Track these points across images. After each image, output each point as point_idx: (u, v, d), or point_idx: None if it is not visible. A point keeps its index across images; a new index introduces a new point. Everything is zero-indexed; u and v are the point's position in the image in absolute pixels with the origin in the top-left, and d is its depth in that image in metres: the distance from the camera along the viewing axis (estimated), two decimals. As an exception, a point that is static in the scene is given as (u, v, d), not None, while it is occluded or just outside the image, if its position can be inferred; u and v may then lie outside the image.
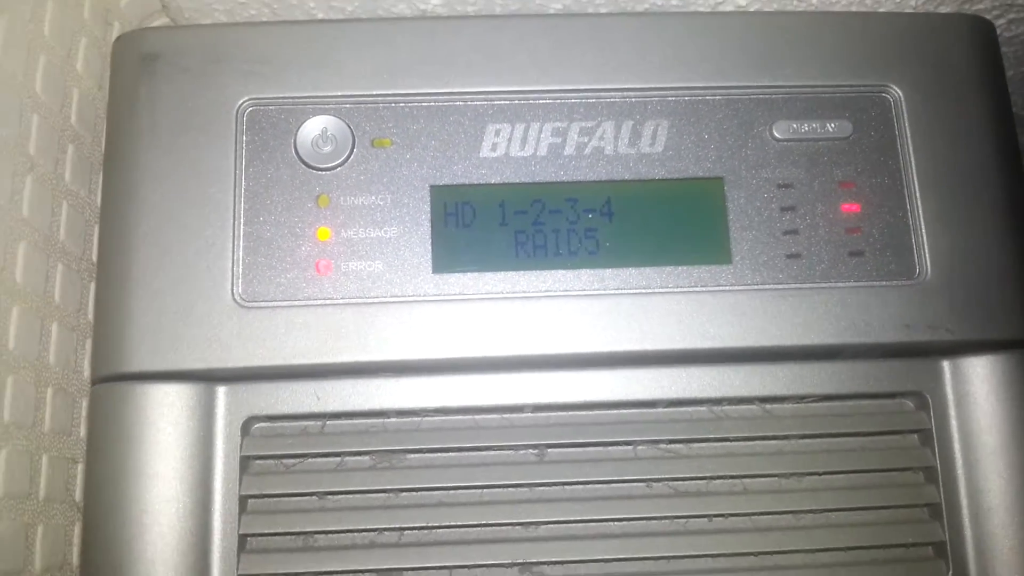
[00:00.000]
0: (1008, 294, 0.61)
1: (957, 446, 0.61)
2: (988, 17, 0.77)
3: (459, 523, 0.58)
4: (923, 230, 0.62)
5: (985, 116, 0.65)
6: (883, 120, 0.64)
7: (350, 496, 0.59)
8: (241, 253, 0.59)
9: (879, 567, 0.60)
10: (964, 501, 0.61)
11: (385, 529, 0.58)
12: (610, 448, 0.60)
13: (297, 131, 0.61)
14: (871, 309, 0.60)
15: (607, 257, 0.61)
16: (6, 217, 0.57)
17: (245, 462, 0.58)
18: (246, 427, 0.59)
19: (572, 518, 0.59)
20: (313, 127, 0.61)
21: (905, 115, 0.64)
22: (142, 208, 0.59)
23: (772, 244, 0.61)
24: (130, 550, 0.56)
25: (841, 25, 0.66)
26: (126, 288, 0.58)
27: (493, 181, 0.61)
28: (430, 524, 0.58)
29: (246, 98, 0.61)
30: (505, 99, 0.63)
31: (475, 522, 0.58)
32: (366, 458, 0.59)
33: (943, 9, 0.79)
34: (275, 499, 0.58)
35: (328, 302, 0.59)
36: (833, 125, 0.63)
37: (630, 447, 0.60)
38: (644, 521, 0.59)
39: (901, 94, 0.64)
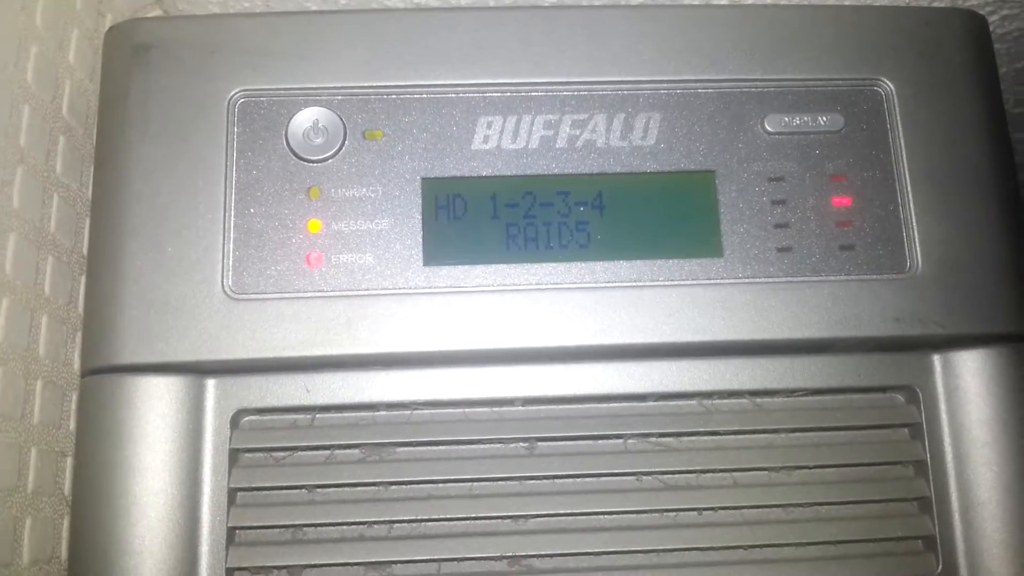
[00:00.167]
0: (999, 288, 0.61)
1: (947, 440, 0.61)
2: (981, 13, 0.77)
3: (449, 516, 0.58)
4: (914, 224, 0.62)
5: (977, 110, 0.64)
6: (875, 114, 0.64)
7: (340, 489, 0.59)
8: (231, 245, 0.59)
9: (869, 560, 0.60)
10: (954, 495, 0.61)
11: (375, 522, 0.58)
12: (600, 441, 0.60)
13: (288, 123, 0.61)
14: (862, 303, 0.60)
15: (598, 250, 0.61)
16: (-4, 208, 0.57)
17: (234, 455, 0.58)
18: (235, 420, 0.59)
19: (562, 511, 0.59)
20: (304, 119, 0.61)
21: (897, 109, 0.64)
22: (133, 200, 0.59)
23: (763, 237, 0.61)
24: (119, 543, 0.56)
25: (833, 18, 0.66)
26: (116, 280, 0.58)
27: (484, 174, 0.61)
28: (420, 517, 0.58)
29: (238, 89, 0.61)
30: (497, 91, 0.63)
31: (465, 515, 0.58)
32: (356, 451, 0.59)
33: (936, 4, 0.79)
34: (264, 492, 0.58)
35: (319, 294, 0.59)
36: (825, 118, 0.63)
37: (620, 440, 0.60)
38: (634, 514, 0.60)
39: (893, 88, 0.64)
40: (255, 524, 0.58)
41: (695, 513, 0.60)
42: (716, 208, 0.62)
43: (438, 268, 0.60)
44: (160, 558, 0.56)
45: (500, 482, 0.59)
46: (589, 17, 0.65)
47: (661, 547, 0.59)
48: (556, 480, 0.60)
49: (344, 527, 0.58)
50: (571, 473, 0.59)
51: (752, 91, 0.64)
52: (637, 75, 0.63)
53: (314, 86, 0.62)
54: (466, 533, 0.58)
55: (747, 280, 0.60)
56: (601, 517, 0.59)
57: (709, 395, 0.61)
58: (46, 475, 0.61)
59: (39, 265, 0.61)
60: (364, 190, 0.61)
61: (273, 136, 0.61)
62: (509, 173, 0.62)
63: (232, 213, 0.59)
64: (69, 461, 0.64)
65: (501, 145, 0.62)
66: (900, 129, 0.63)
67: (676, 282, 0.60)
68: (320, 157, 0.61)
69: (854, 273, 0.61)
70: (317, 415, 0.59)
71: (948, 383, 0.62)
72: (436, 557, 0.58)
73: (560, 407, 0.61)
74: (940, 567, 0.60)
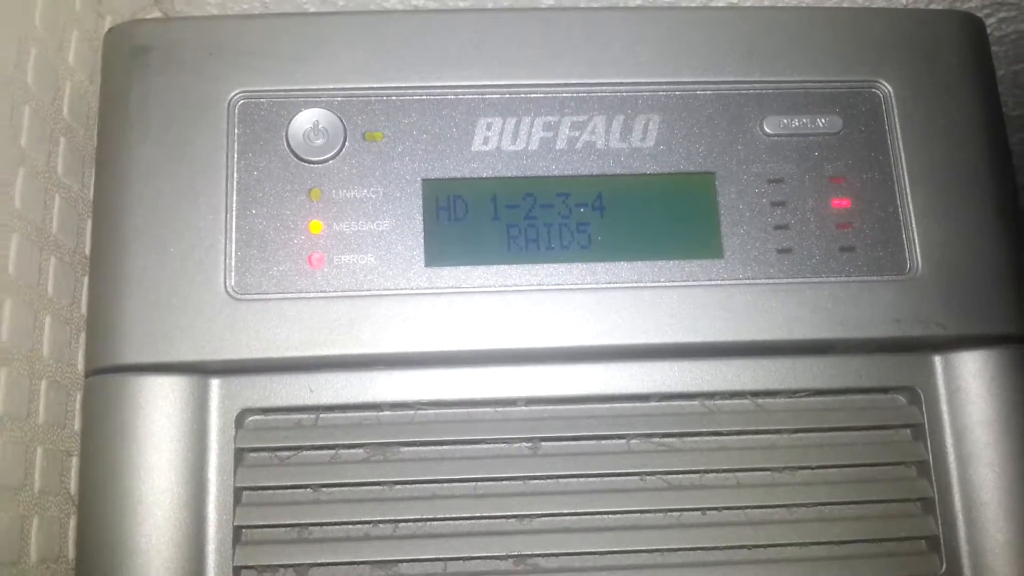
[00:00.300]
0: (998, 289, 0.62)
1: (949, 440, 0.61)
2: (978, 15, 0.77)
3: (453, 515, 0.58)
4: (914, 225, 0.62)
5: (975, 112, 0.65)
6: (873, 115, 0.64)
7: (344, 488, 0.59)
8: (233, 246, 0.59)
9: (872, 561, 0.60)
10: (957, 495, 0.61)
11: (380, 521, 0.58)
12: (603, 441, 0.60)
13: (289, 124, 0.61)
14: (862, 304, 0.60)
15: (599, 251, 0.61)
16: (-1, 209, 0.57)
17: (239, 454, 0.58)
18: (240, 419, 0.59)
19: (566, 511, 0.59)
20: (305, 120, 0.61)
21: (895, 110, 0.64)
22: (134, 201, 0.59)
23: (763, 239, 0.61)
24: (125, 542, 0.56)
25: (832, 20, 0.66)
26: (119, 281, 0.58)
27: (485, 175, 0.62)
28: (424, 516, 0.58)
29: (238, 91, 0.61)
30: (497, 93, 0.63)
31: (469, 514, 0.58)
32: (360, 451, 0.59)
33: (934, 6, 0.80)
34: (270, 491, 0.59)
35: (321, 295, 0.59)
36: (823, 120, 0.64)
37: (623, 440, 0.60)
38: (638, 514, 0.60)
39: (891, 90, 0.64)
40: (261, 523, 0.58)
41: (698, 513, 0.60)
42: (716, 209, 0.62)
43: (439, 269, 0.60)
44: (167, 557, 0.56)
45: (504, 482, 0.59)
46: (588, 19, 0.65)
47: (665, 547, 0.59)
48: (560, 480, 0.60)
49: (349, 526, 0.58)
50: (575, 473, 0.59)
51: (751, 93, 0.64)
52: (636, 77, 0.64)
53: (314, 87, 0.62)
54: (471, 532, 0.58)
55: (747, 281, 0.61)
56: (605, 517, 0.60)
57: (711, 395, 0.61)
58: (52, 474, 0.61)
59: (42, 266, 0.61)
60: (365, 191, 0.61)
61: (274, 137, 0.61)
62: (509, 174, 0.62)
63: (234, 214, 0.59)
64: (74, 461, 0.64)
65: (501, 146, 0.62)
66: (899, 131, 0.64)
67: (677, 283, 0.60)
68: (321, 158, 0.61)
69: (854, 274, 0.61)
70: (321, 415, 0.59)
71: (949, 384, 0.62)
72: (441, 556, 0.58)
73: (563, 407, 0.61)
74: (943, 567, 0.60)
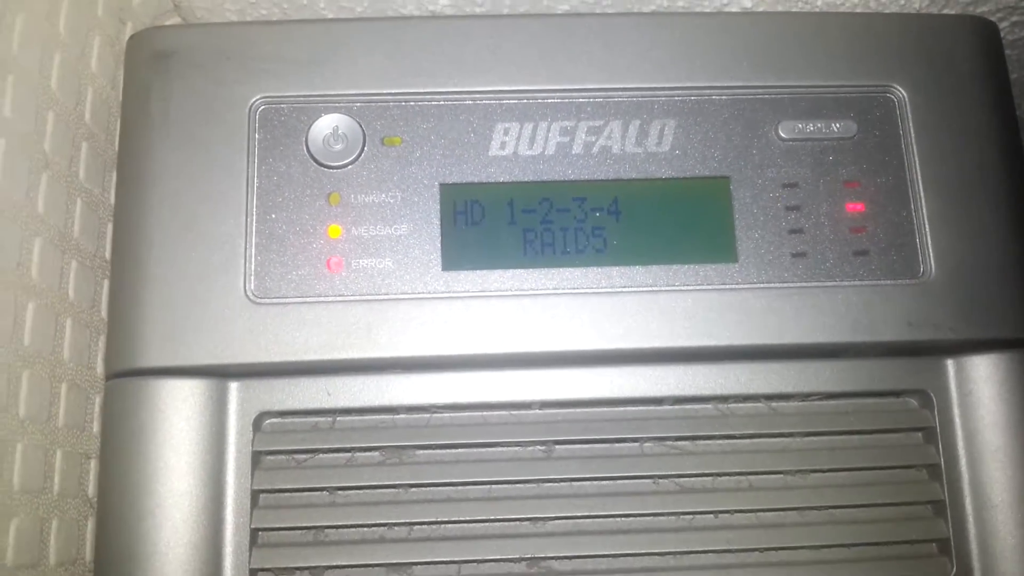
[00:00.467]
0: (1011, 293, 0.62)
1: (961, 444, 0.62)
2: (992, 20, 0.77)
3: (468, 518, 0.59)
4: (927, 229, 0.62)
5: (988, 116, 0.65)
6: (887, 120, 0.64)
7: (360, 491, 0.59)
8: (253, 250, 0.60)
9: (884, 564, 0.61)
10: (968, 498, 0.61)
11: (395, 524, 0.59)
12: (617, 444, 0.61)
13: (309, 129, 0.62)
14: (875, 308, 0.61)
15: (614, 255, 0.61)
16: (22, 214, 0.57)
17: (257, 457, 0.59)
18: (258, 423, 0.59)
19: (579, 514, 0.59)
20: (324, 125, 0.62)
21: (909, 115, 0.64)
22: (155, 205, 0.60)
23: (777, 243, 0.62)
24: (143, 544, 0.56)
25: (846, 26, 0.66)
26: (139, 284, 0.59)
27: (502, 180, 0.62)
28: (439, 519, 0.59)
29: (259, 96, 0.62)
30: (514, 98, 0.63)
31: (484, 517, 0.59)
32: (376, 454, 0.60)
33: (947, 11, 0.80)
34: (286, 494, 0.59)
35: (339, 299, 0.59)
36: (838, 125, 0.64)
37: (637, 444, 0.61)
38: (651, 517, 0.60)
39: (905, 94, 0.64)
40: (278, 526, 0.58)
41: (711, 516, 0.60)
42: (731, 214, 0.62)
43: (456, 273, 0.60)
44: (184, 559, 0.56)
45: (518, 484, 0.60)
46: (604, 25, 0.65)
47: (677, 549, 0.59)
48: (573, 483, 0.60)
49: (365, 529, 0.59)
50: (588, 476, 0.60)
51: (766, 98, 0.64)
52: (652, 82, 0.64)
53: (334, 93, 0.62)
54: (485, 535, 0.59)
55: (762, 285, 0.61)
56: (618, 519, 0.60)
57: (725, 399, 0.62)
58: (71, 477, 0.62)
59: (63, 269, 0.62)
60: (383, 196, 0.61)
61: (294, 142, 0.62)
62: (526, 179, 0.62)
63: (254, 218, 0.60)
64: (93, 463, 0.64)
65: (518, 151, 0.63)
66: (912, 135, 0.64)
67: (691, 287, 0.61)
68: (340, 163, 0.61)
69: (868, 278, 0.61)
70: (338, 418, 0.60)
71: (961, 387, 0.62)
72: (456, 559, 0.58)
73: (577, 410, 0.61)
74: (954, 570, 0.60)
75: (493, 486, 0.60)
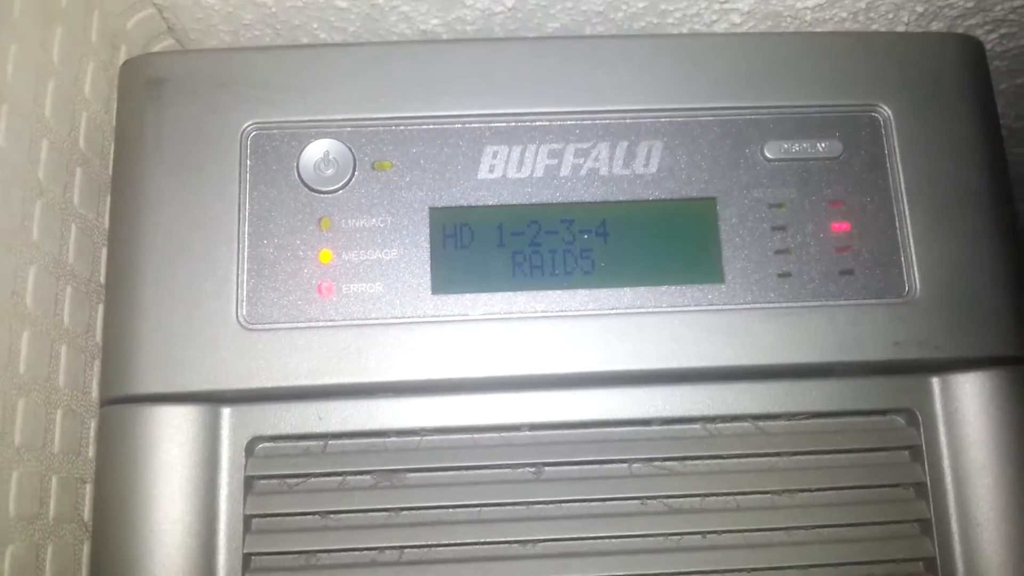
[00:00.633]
0: (996, 312, 0.62)
1: (947, 462, 0.62)
2: (980, 33, 0.78)
3: (458, 541, 0.59)
4: (912, 248, 0.63)
5: (974, 135, 0.65)
6: (873, 139, 0.65)
7: (352, 515, 0.60)
8: (245, 276, 0.60)
9: (871, 581, 0.61)
10: (954, 516, 0.62)
11: (386, 547, 0.59)
12: (606, 466, 0.61)
13: (300, 154, 0.62)
14: (861, 327, 0.61)
15: (602, 277, 0.62)
16: (16, 242, 0.58)
17: (249, 482, 0.59)
18: (250, 447, 0.60)
19: (569, 535, 0.60)
20: (315, 151, 0.63)
21: (895, 134, 0.65)
22: (148, 231, 0.61)
23: (764, 263, 0.62)
24: (138, 569, 0.57)
25: (831, 45, 0.67)
26: (133, 311, 0.60)
27: (491, 203, 0.63)
28: (430, 542, 0.59)
29: (250, 122, 0.63)
30: (502, 121, 0.64)
31: (474, 540, 0.59)
32: (367, 477, 0.60)
33: (935, 25, 0.80)
34: (278, 518, 0.60)
35: (330, 324, 0.60)
36: (823, 145, 0.64)
37: (625, 465, 0.61)
38: (639, 538, 0.60)
39: (891, 114, 0.65)
40: (270, 550, 0.59)
41: (699, 536, 0.61)
42: (717, 235, 0.63)
43: (446, 296, 0.61)
44: (178, 584, 0.57)
45: (508, 507, 0.60)
46: (591, 47, 0.66)
47: (667, 570, 0.60)
48: (563, 504, 0.61)
49: (357, 552, 0.59)
50: (577, 497, 0.60)
51: (752, 118, 0.65)
52: (639, 104, 0.64)
53: (324, 118, 0.63)
54: (475, 557, 0.59)
55: (748, 306, 0.62)
56: (607, 540, 0.60)
57: (712, 419, 0.62)
58: (67, 502, 0.62)
59: (58, 296, 0.63)
60: (374, 220, 0.62)
61: (285, 168, 0.62)
62: (515, 202, 0.63)
63: (246, 244, 0.61)
64: (89, 488, 0.65)
65: (507, 174, 0.63)
66: (898, 154, 0.64)
67: (679, 308, 0.61)
68: (331, 188, 0.62)
69: (853, 298, 0.62)
70: (329, 442, 0.61)
71: (947, 405, 0.63)
72: (446, 581, 0.59)
73: (566, 432, 0.62)
74: (940, 587, 0.61)
75: (483, 508, 0.60)
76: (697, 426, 0.62)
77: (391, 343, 0.59)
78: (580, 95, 0.64)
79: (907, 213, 0.63)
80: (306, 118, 0.63)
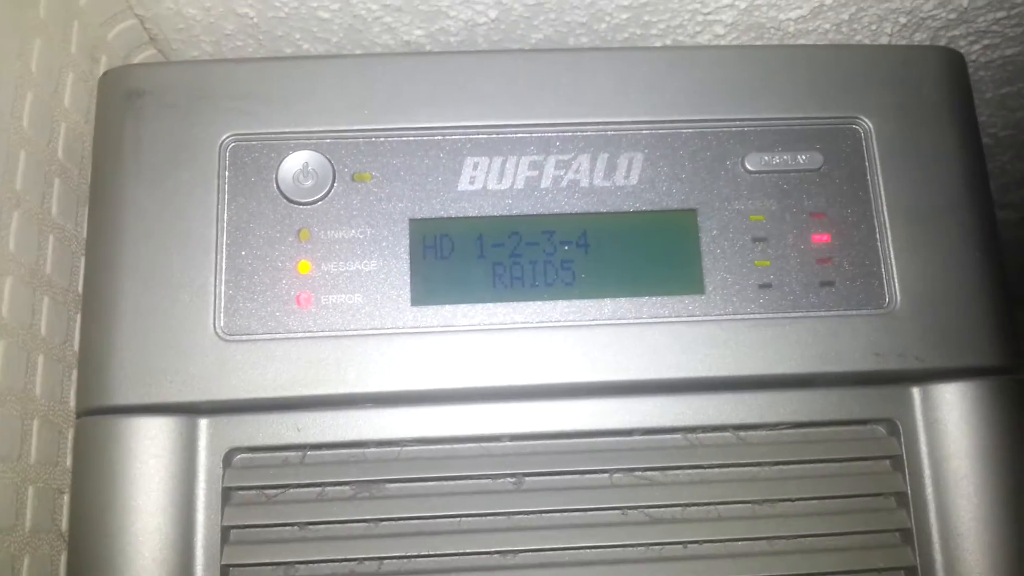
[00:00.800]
0: (976, 323, 0.62)
1: (927, 472, 0.62)
2: (963, 44, 0.78)
3: (439, 551, 0.59)
4: (892, 260, 0.63)
5: (954, 147, 0.66)
6: (853, 152, 0.65)
7: (331, 526, 0.60)
8: (223, 287, 0.60)
9: (852, 591, 0.61)
10: (934, 526, 0.61)
11: (366, 558, 0.59)
12: (586, 476, 0.61)
13: (279, 166, 0.62)
14: (842, 338, 0.61)
15: (583, 288, 0.62)
16: (-7, 253, 0.58)
17: (227, 493, 0.59)
18: (228, 458, 0.59)
19: (549, 546, 0.60)
20: (294, 162, 0.62)
21: (875, 146, 0.65)
22: (127, 243, 0.60)
23: (744, 274, 0.62)
24: (115, 581, 0.57)
25: (812, 58, 0.67)
26: (110, 322, 0.59)
27: (471, 214, 0.63)
28: (409, 553, 0.59)
29: (229, 134, 0.62)
30: (483, 133, 0.64)
31: (454, 551, 0.59)
32: (346, 488, 0.60)
33: (918, 36, 0.80)
34: (257, 529, 0.59)
35: (308, 335, 0.60)
36: (804, 157, 0.64)
37: (606, 475, 0.61)
38: (620, 548, 0.60)
39: (871, 126, 0.65)
40: (248, 562, 0.58)
41: (680, 546, 0.61)
42: (698, 246, 0.63)
43: (426, 308, 0.61)
44: (156, 596, 0.57)
45: (488, 517, 0.60)
46: (572, 59, 0.66)
47: (647, 580, 0.60)
48: (543, 514, 0.60)
49: (335, 563, 0.59)
50: (558, 508, 0.60)
51: (732, 131, 0.65)
52: (619, 116, 0.65)
53: (303, 130, 0.63)
54: (455, 568, 0.59)
55: (729, 317, 0.62)
56: (588, 551, 0.60)
57: (693, 429, 0.62)
58: (43, 513, 0.62)
59: (35, 306, 0.62)
60: (353, 231, 0.62)
61: (264, 179, 0.62)
62: (495, 213, 0.63)
63: (224, 255, 0.61)
64: (66, 498, 0.65)
65: (487, 186, 0.63)
66: (878, 166, 0.64)
67: (659, 319, 0.61)
68: (310, 200, 0.62)
69: (834, 309, 0.62)
70: (308, 453, 0.60)
71: (928, 416, 0.63)
72: (426, 592, 0.59)
73: (546, 442, 0.62)
74: (921, 598, 0.61)
75: (463, 519, 0.60)
76: (678, 436, 0.62)
77: (370, 354, 0.59)
78: (561, 107, 0.64)
79: (887, 225, 0.63)
80: (285, 130, 0.63)
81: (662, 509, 0.61)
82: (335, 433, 0.60)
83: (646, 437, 0.62)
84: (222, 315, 0.60)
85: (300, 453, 0.60)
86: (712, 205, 0.63)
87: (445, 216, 0.62)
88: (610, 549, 0.60)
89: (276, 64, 0.65)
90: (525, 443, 0.61)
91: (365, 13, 0.74)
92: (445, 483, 0.60)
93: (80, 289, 0.67)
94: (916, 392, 0.63)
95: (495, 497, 0.60)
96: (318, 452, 0.60)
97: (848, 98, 0.66)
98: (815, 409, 0.62)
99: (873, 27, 0.79)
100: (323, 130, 0.63)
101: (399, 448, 0.61)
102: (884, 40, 0.81)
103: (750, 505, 0.61)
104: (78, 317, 0.67)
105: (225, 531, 0.59)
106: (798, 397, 0.62)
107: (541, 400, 0.61)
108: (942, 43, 0.82)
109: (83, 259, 0.66)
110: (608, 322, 0.61)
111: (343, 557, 0.59)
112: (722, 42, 0.80)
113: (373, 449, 0.61)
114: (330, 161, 0.63)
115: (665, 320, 0.61)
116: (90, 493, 0.58)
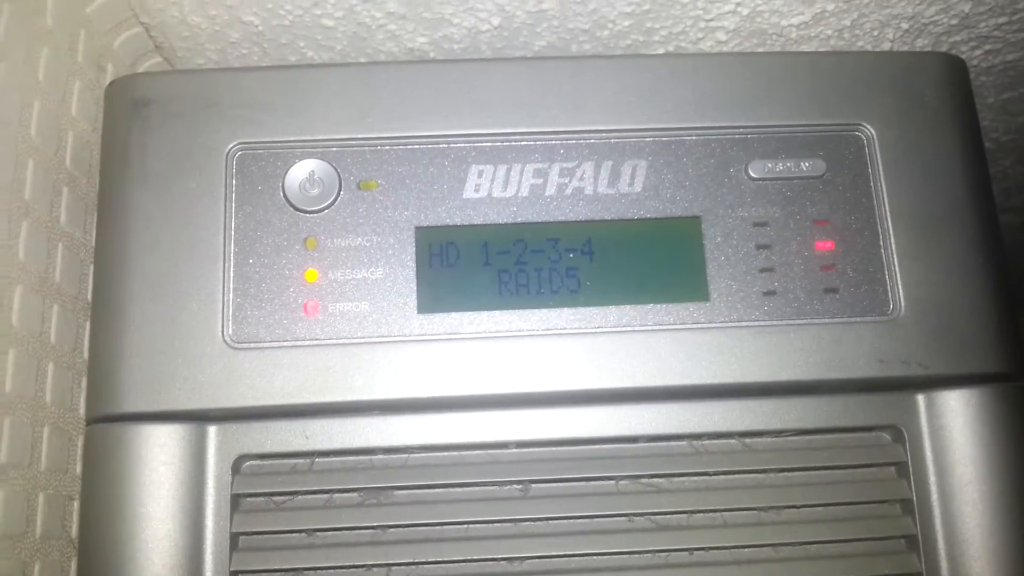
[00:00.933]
0: (980, 329, 0.63)
1: (932, 478, 0.62)
2: (965, 49, 0.79)
3: (446, 558, 0.59)
4: (896, 266, 0.63)
5: (957, 153, 0.66)
6: (856, 158, 0.65)
7: (339, 533, 0.60)
8: (231, 295, 0.60)
9: (857, 598, 0.61)
10: (939, 532, 0.61)
11: (373, 565, 0.59)
12: (593, 483, 0.61)
13: (285, 175, 0.63)
14: (846, 345, 0.62)
15: (588, 296, 0.62)
16: (2, 262, 0.58)
17: (236, 500, 0.59)
18: (236, 465, 0.60)
19: (556, 553, 0.60)
20: (301, 171, 0.63)
21: (878, 153, 0.65)
22: (134, 252, 0.61)
23: (748, 281, 0.63)
24: (125, 588, 0.57)
25: (815, 65, 0.67)
26: (119, 330, 0.60)
27: (476, 222, 0.63)
28: (417, 559, 0.59)
29: (236, 142, 0.63)
30: (488, 141, 0.64)
31: (461, 557, 0.59)
32: (354, 495, 0.60)
33: (920, 42, 0.81)
34: (265, 536, 0.59)
35: (316, 343, 0.60)
36: (807, 164, 0.65)
37: (612, 482, 0.61)
38: (626, 555, 0.60)
39: (874, 132, 0.65)
40: (257, 568, 0.58)
41: (686, 553, 0.61)
42: (702, 253, 0.63)
43: (432, 315, 0.61)
44: (165, 602, 0.57)
45: (495, 524, 0.60)
46: (576, 68, 0.66)
47: (653, 587, 0.60)
48: (550, 521, 0.61)
49: (343, 570, 0.59)
50: (564, 515, 0.60)
51: (736, 138, 0.65)
52: (623, 124, 0.65)
53: (310, 138, 0.63)
54: (463, 575, 0.59)
55: (733, 324, 0.62)
56: (594, 558, 0.60)
57: (698, 436, 0.62)
58: (54, 520, 0.62)
59: (45, 314, 0.63)
60: (359, 239, 0.62)
61: (270, 188, 0.62)
62: (500, 221, 0.63)
63: (231, 263, 0.61)
64: (76, 505, 0.65)
65: (492, 193, 0.63)
66: (882, 173, 0.65)
67: (664, 326, 0.61)
68: (316, 208, 0.62)
69: (838, 316, 0.62)
70: (316, 460, 0.60)
71: (932, 422, 0.63)
72: (433, 599, 0.59)
73: (553, 450, 0.62)
74: (926, 603, 0.61)
75: (470, 526, 0.60)
76: (684, 443, 0.62)
77: (377, 362, 0.60)
78: (565, 115, 0.65)
79: (891, 231, 0.63)
80: (292, 138, 0.63)
81: (668, 516, 0.61)
82: (343, 440, 0.60)
83: (652, 444, 0.62)
84: (230, 323, 0.60)
85: (308, 460, 0.60)
86: (716, 212, 0.64)
87: (451, 224, 0.63)
88: (616, 556, 0.60)
89: (281, 72, 0.66)
90: (531, 450, 0.62)
91: (369, 21, 0.74)
92: (452, 490, 0.61)
93: (89, 297, 0.67)
94: (921, 399, 0.63)
95: (502, 504, 0.60)
96: (326, 459, 0.61)
97: (851, 105, 0.66)
98: (820, 416, 0.62)
99: (875, 33, 0.80)
100: (328, 138, 0.63)
101: (406, 455, 0.61)
102: (886, 46, 0.82)
103: (756, 512, 0.61)
104: (87, 325, 0.67)
105: (234, 537, 0.59)
106: (803, 404, 0.62)
107: (547, 407, 0.62)
108: (944, 48, 0.82)
109: (92, 267, 0.66)
110: (613, 329, 0.61)
111: (351, 564, 0.59)
112: (724, 48, 0.80)
113: (381, 456, 0.61)
114: (336, 169, 0.63)
115: (670, 327, 0.61)
116: (100, 500, 0.59)
